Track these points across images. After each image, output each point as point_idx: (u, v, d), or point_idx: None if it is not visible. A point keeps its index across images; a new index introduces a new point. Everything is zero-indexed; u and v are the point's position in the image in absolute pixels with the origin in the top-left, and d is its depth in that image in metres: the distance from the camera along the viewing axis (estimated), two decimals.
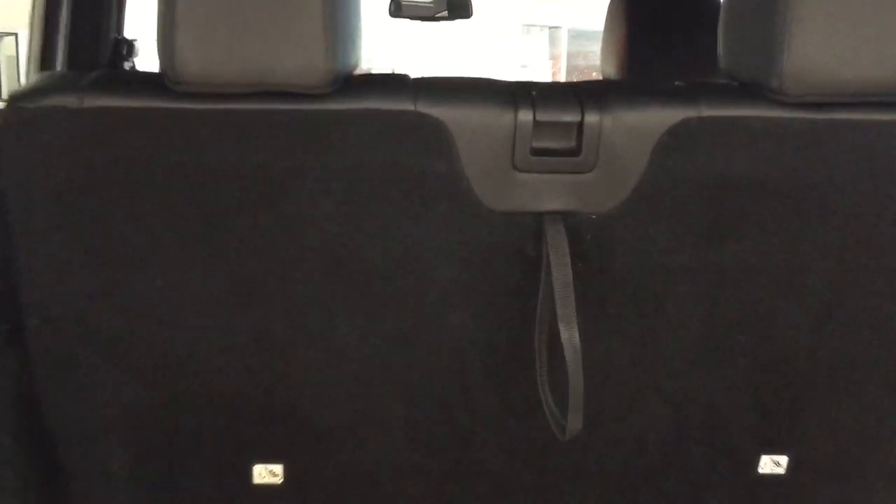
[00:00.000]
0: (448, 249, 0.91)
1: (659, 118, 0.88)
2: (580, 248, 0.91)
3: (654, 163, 0.88)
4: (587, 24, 10.87)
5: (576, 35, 12.78)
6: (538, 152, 0.88)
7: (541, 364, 0.93)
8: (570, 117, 0.87)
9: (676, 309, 0.94)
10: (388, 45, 10.76)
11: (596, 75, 1.83)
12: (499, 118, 0.87)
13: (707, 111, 0.88)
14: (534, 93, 0.88)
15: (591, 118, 0.87)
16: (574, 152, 0.88)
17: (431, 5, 2.97)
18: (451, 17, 2.95)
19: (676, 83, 0.95)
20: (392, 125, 0.86)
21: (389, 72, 1.06)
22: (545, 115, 0.87)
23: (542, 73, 12.81)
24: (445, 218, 0.89)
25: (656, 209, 0.90)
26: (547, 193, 0.90)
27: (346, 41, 0.85)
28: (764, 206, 0.90)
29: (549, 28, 13.16)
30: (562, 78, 12.89)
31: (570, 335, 0.87)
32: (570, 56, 13.05)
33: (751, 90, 0.89)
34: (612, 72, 1.55)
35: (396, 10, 3.14)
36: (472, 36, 11.49)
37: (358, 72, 0.91)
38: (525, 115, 0.87)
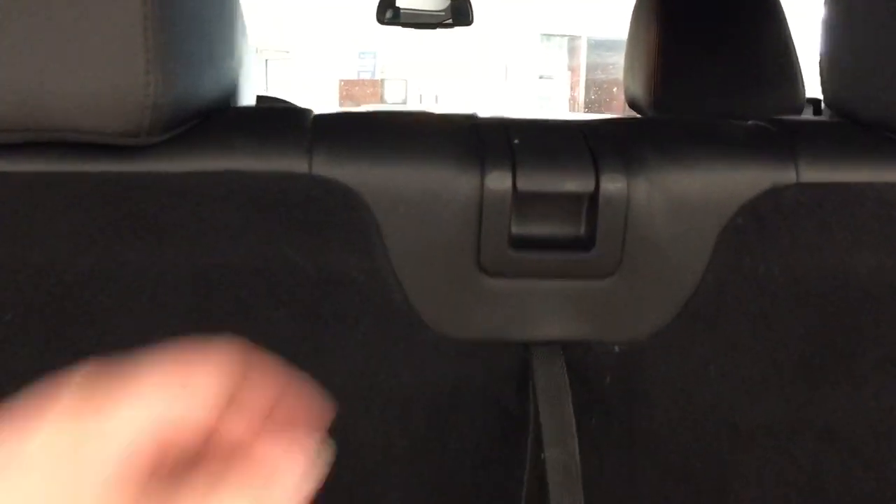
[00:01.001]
0: (368, 401, 0.55)
1: (729, 186, 0.54)
2: (592, 398, 0.57)
3: (720, 261, 0.54)
4: (608, 33, 10.54)
5: (595, 45, 12.43)
6: (521, 243, 0.54)
7: None
8: (577, 184, 0.53)
9: (748, 495, 0.59)
10: (396, 56, 10.48)
11: (617, 91, 1.48)
12: (453, 185, 0.52)
13: (811, 173, 0.53)
14: (516, 141, 0.54)
15: (613, 186, 0.52)
16: (583, 244, 0.54)
17: (437, 12, 2.66)
18: (453, 24, 2.64)
19: (753, 122, 0.60)
20: (270, 199, 0.51)
21: (288, 102, 0.67)
22: (533, 181, 0.52)
23: (560, 84, 12.48)
24: (366, 350, 0.54)
25: (722, 335, 0.56)
26: (538, 311, 0.55)
27: (195, 62, 0.51)
28: None
29: (568, 37, 12.85)
30: (580, 91, 12.55)
31: None
32: (588, 68, 12.69)
33: (881, 135, 0.55)
34: (637, 90, 1.17)
35: (392, 17, 2.83)
36: (488, 45, 11.21)
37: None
38: (498, 181, 0.52)
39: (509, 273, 0.54)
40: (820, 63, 0.60)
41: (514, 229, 0.53)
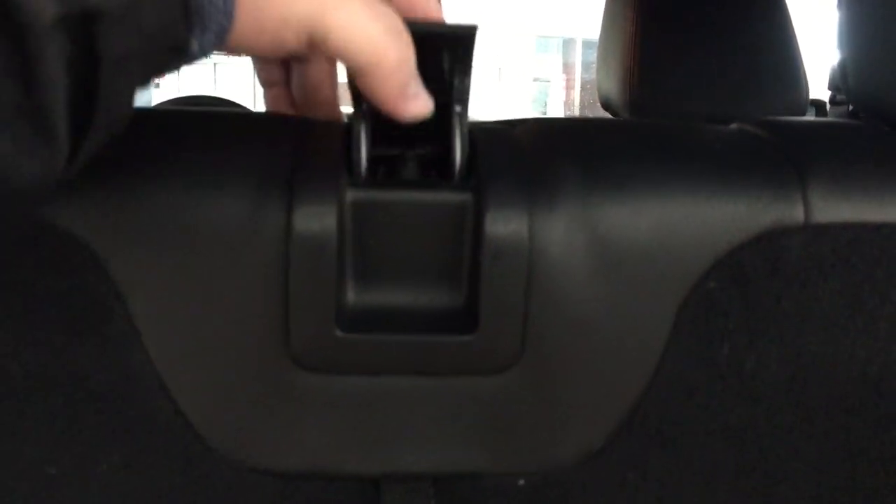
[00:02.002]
0: None
1: (696, 230, 0.35)
2: None
3: (682, 348, 0.35)
4: None
5: (590, 46, 12.33)
6: (359, 319, 0.33)
7: None
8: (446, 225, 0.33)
9: None
10: None
11: None
12: (244, 228, 0.32)
13: (830, 207, 0.35)
14: (362, 129, 0.33)
15: (506, 228, 0.32)
16: (461, 321, 0.34)
17: None
18: None
19: (737, 126, 0.40)
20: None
21: None
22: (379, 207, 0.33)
23: (555, 86, 12.39)
24: (143, 486, 0.36)
25: (684, 463, 0.37)
26: (391, 428, 0.35)
27: None
28: None
29: (564, 39, 12.76)
30: (576, 92, 12.45)
31: None
32: (584, 69, 12.59)
33: None
34: (611, 88, 1.00)
35: None
36: (481, 47, 11.10)
37: None
38: (316, 218, 0.31)
39: (339, 367, 0.34)
40: (842, 59, 0.41)
41: (349, 296, 0.33)
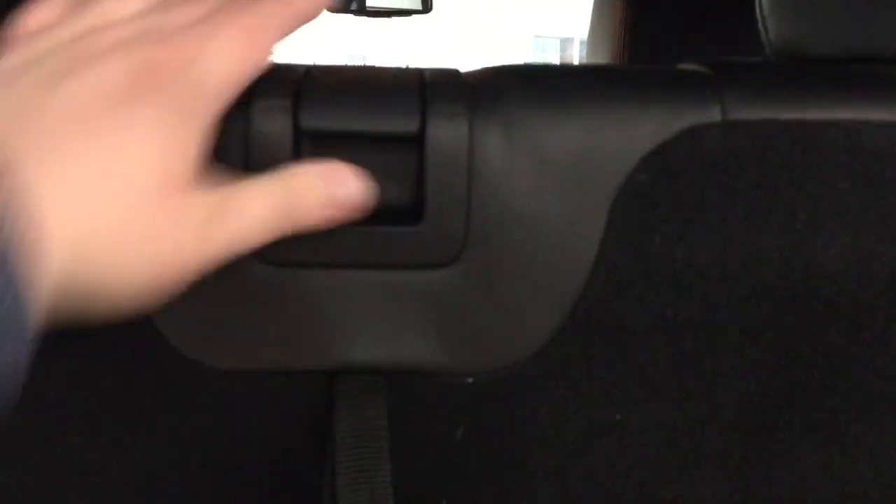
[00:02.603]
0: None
1: (626, 132, 0.37)
2: (423, 457, 0.39)
3: (617, 241, 0.37)
4: None
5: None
6: None
7: None
8: (392, 124, 0.35)
9: None
10: (385, 59, 10.37)
11: None
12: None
13: (746, 108, 0.37)
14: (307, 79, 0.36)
15: (447, 129, 0.35)
16: (407, 214, 0.36)
17: (407, 9, 2.62)
18: (411, 13, 2.64)
19: (682, 66, 0.44)
20: None
21: None
22: (324, 118, 0.35)
23: None
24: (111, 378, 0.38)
25: (629, 357, 0.39)
26: (346, 320, 0.37)
27: None
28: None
29: (561, 39, 12.77)
30: None
31: None
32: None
33: (837, 72, 0.40)
34: None
35: (358, 9, 2.81)
36: (482, 48, 11.13)
37: None
38: (272, 119, 0.35)
39: (297, 259, 0.36)
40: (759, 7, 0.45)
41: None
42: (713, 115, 0.37)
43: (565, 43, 12.86)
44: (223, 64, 0.30)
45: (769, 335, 0.39)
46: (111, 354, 0.38)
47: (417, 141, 0.35)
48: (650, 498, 0.40)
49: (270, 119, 0.35)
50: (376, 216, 0.35)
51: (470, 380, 0.38)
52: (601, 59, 1.04)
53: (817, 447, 0.40)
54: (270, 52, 0.32)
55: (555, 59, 12.73)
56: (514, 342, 0.38)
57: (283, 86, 0.35)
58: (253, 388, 0.37)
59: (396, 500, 0.36)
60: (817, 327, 0.39)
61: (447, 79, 0.38)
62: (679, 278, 0.38)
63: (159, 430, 0.38)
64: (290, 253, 0.35)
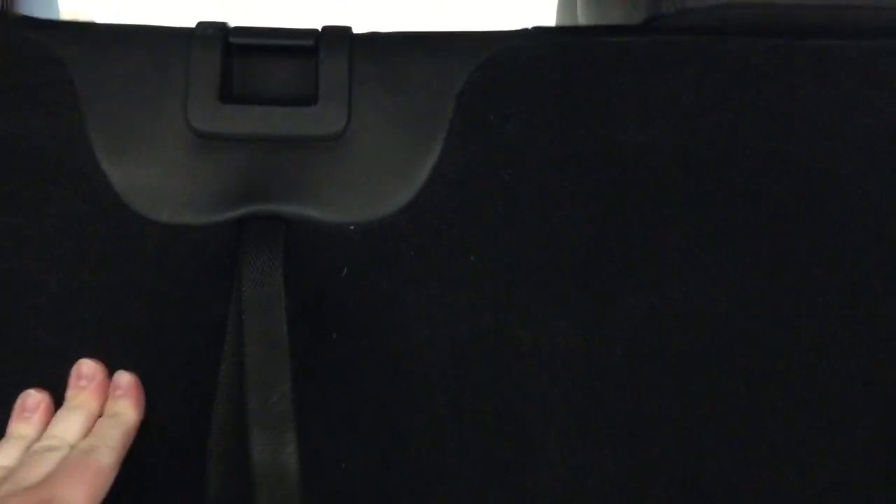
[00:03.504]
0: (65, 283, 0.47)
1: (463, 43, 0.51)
2: (314, 291, 0.47)
3: (460, 123, 0.49)
4: None
5: None
6: (235, 98, 0.49)
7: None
8: (294, 40, 0.50)
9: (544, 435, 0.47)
10: None
11: None
12: (160, 43, 0.50)
13: (549, 34, 0.54)
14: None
15: (333, 52, 0.49)
16: (305, 100, 0.49)
17: None
18: None
19: None
20: None
21: None
22: (246, 35, 0.50)
23: None
24: (59, 232, 0.47)
25: (479, 222, 0.48)
26: (256, 179, 0.48)
27: None
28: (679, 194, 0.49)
29: None
30: None
31: (273, 448, 0.41)
32: None
33: None
34: None
35: None
36: None
37: None
38: (207, 33, 0.49)
39: (221, 132, 0.47)
40: None
41: (230, 85, 0.49)
42: (526, 36, 0.51)
43: None
44: None
45: (602, 221, 0.47)
46: (73, 210, 0.47)
47: (314, 51, 0.49)
48: (510, 338, 0.46)
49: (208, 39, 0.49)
50: (280, 99, 0.49)
51: (352, 227, 0.48)
52: None
53: (637, 290, 0.47)
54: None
55: None
56: (386, 200, 0.48)
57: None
58: (180, 236, 0.47)
59: (292, 330, 0.43)
60: (619, 190, 0.48)
61: (340, 29, 0.51)
62: (514, 152, 0.48)
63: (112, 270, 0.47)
64: (216, 123, 0.47)
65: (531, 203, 0.47)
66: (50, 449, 0.41)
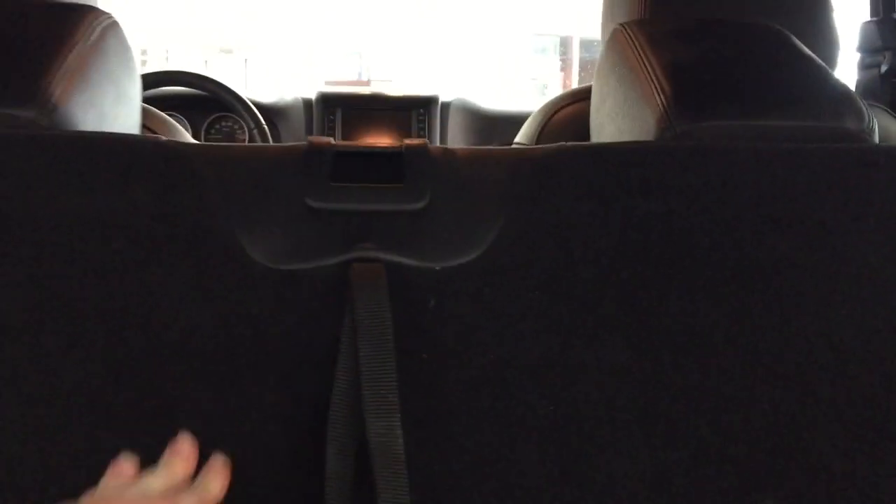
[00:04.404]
0: (196, 327, 0.59)
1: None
2: (407, 319, 0.60)
3: (512, 211, 0.64)
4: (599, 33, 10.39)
5: (587, 45, 12.28)
6: (342, 179, 0.64)
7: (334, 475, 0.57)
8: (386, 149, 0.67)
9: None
10: (384, 57, 10.29)
11: None
12: (285, 148, 0.67)
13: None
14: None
15: (414, 145, 0.67)
16: (395, 180, 0.64)
17: None
18: None
19: None
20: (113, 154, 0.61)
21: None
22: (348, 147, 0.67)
23: (552, 85, 12.35)
24: (188, 280, 0.59)
25: (525, 280, 0.62)
26: (359, 234, 0.62)
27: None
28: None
29: (560, 37, 12.71)
30: (573, 85, 12.39)
31: (385, 431, 0.55)
32: (582, 66, 12.54)
33: None
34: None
35: None
36: (480, 46, 11.06)
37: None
38: (322, 144, 0.66)
39: (330, 208, 0.62)
40: None
41: (337, 176, 0.63)
42: None
43: (565, 40, 12.81)
44: None
45: (614, 254, 0.62)
46: (186, 263, 0.60)
47: (401, 153, 0.66)
48: (562, 363, 0.59)
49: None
50: (375, 179, 0.64)
51: (437, 267, 0.61)
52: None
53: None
54: None
55: (554, 58, 12.71)
56: (464, 248, 0.62)
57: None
58: (296, 279, 0.60)
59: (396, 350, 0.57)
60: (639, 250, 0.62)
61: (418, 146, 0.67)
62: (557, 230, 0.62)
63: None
64: (328, 196, 0.63)
65: (574, 254, 0.61)
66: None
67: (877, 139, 0.69)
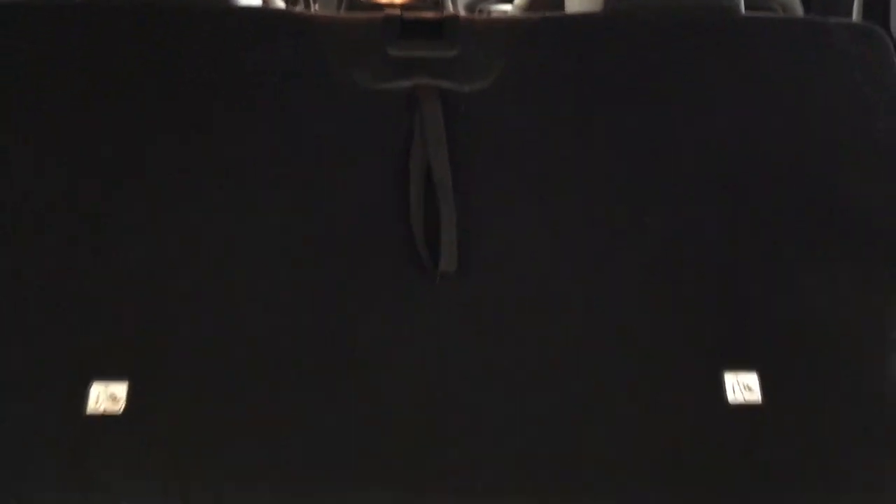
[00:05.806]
0: (326, 134, 0.93)
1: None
2: (454, 123, 0.92)
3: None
4: None
5: None
6: (405, 33, 0.94)
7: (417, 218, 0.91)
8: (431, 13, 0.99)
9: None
10: None
11: None
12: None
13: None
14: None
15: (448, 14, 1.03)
16: (438, 37, 0.95)
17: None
18: None
19: None
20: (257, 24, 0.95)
21: None
22: (413, 13, 0.98)
23: None
24: (319, 103, 0.93)
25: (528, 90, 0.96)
26: (417, 70, 0.94)
27: None
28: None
29: None
30: None
31: (442, 175, 0.90)
32: None
33: None
34: None
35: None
36: None
37: None
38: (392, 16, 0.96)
39: (403, 50, 0.94)
40: None
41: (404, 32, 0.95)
42: None
43: None
44: None
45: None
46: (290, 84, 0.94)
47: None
48: (553, 153, 0.95)
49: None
50: (427, 41, 0.96)
51: (466, 90, 0.93)
52: None
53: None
54: None
55: None
56: (481, 79, 0.94)
57: None
58: (381, 95, 0.93)
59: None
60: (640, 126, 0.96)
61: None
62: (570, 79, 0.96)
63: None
64: (399, 50, 0.96)
65: (557, 86, 0.96)
66: None
67: (742, 11, 0.98)
